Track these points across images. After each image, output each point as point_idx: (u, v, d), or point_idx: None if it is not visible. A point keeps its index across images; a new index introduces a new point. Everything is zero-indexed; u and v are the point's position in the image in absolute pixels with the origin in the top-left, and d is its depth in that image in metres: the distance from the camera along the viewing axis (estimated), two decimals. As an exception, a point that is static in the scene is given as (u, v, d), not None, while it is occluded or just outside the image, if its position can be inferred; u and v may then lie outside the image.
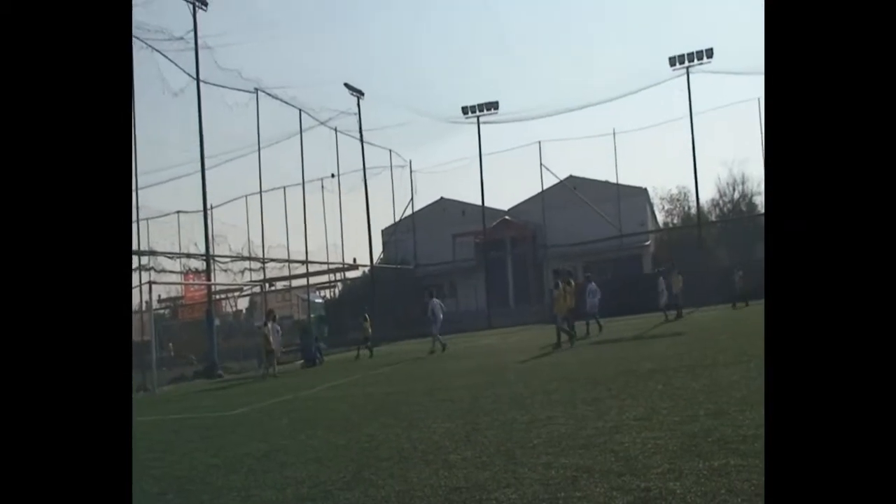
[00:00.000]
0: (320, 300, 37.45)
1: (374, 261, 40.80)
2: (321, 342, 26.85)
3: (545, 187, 45.38)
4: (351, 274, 42.24)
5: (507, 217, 47.57)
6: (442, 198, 50.76)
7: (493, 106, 43.14)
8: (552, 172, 45.06)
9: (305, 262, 33.64)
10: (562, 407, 7.84)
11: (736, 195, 45.48)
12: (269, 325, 19.61)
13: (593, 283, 22.45)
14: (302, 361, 23.16)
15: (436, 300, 22.64)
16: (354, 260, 39.42)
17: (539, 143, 44.18)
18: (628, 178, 45.24)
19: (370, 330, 24.57)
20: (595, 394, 8.56)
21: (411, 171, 46.74)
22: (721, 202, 46.22)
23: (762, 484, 4.09)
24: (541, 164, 44.26)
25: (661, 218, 49.67)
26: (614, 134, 42.88)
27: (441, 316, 22.22)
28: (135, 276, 21.96)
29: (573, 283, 19.38)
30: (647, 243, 44.35)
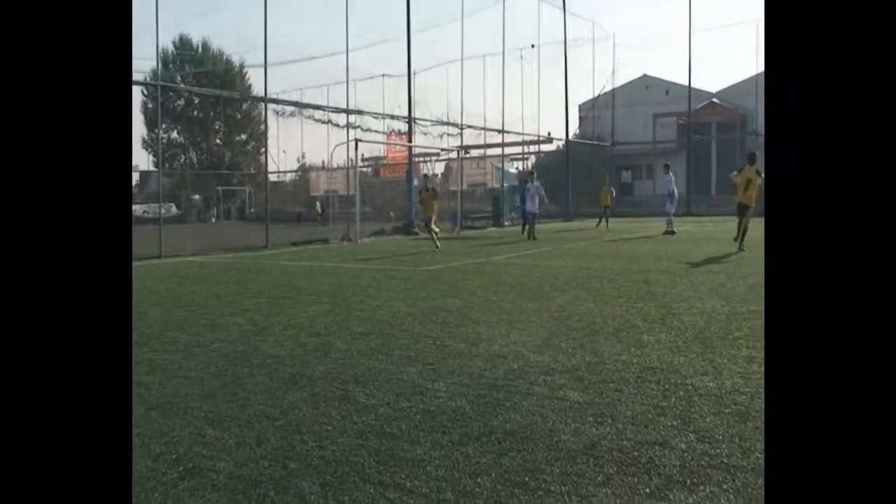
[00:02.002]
0: (514, 171, 37.55)
1: (570, 136, 39.86)
2: (512, 212, 27.13)
3: (759, 70, 41.06)
4: (546, 147, 41.75)
5: (714, 100, 44.00)
6: (645, 75, 47.78)
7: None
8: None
9: (501, 132, 33.61)
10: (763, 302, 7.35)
11: None
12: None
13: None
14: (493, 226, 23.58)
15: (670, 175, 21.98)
16: (549, 133, 38.76)
17: (756, 22, 39.57)
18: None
19: (609, 200, 24.19)
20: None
21: (614, 45, 44.16)
22: None
23: None
24: (756, 45, 39.88)
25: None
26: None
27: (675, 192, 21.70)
28: (342, 133, 23.01)
29: (761, 174, 13.94)
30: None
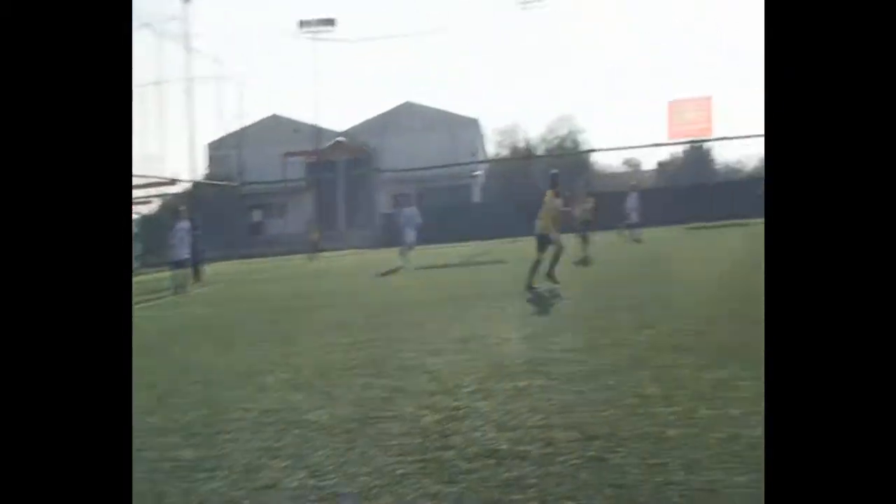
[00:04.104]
0: (135, 216, 34.94)
1: (197, 177, 38.60)
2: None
3: (381, 112, 44.86)
4: (172, 189, 39.76)
5: (341, 138, 46.67)
6: (274, 115, 48.71)
7: (329, 22, 41.63)
8: (386, 97, 44.53)
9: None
10: (384, 330, 7.91)
11: (564, 132, 47.52)
12: None
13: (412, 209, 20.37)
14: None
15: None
16: (172, 176, 37.05)
17: (376, 66, 43.30)
18: (462, 109, 45.86)
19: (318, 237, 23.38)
20: (418, 317, 8.72)
21: (242, 85, 44.27)
22: (548, 138, 48.16)
23: (562, 402, 4.37)
24: (377, 87, 43.55)
25: (491, 149, 51.01)
26: (451, 61, 42.92)
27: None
28: None
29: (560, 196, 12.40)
30: (478, 174, 45.47)
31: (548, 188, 11.81)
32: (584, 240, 16.73)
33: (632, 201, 22.25)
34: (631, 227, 22.21)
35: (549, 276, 10.99)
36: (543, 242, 11.29)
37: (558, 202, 11.53)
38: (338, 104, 59.40)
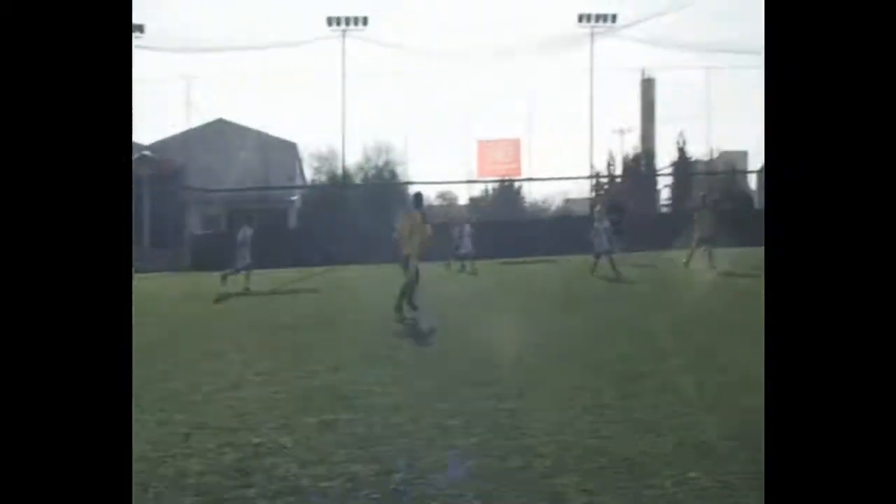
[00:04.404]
0: None
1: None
2: None
3: (192, 126, 42.89)
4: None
5: (146, 152, 43.93)
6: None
7: (138, 29, 39.29)
8: (201, 111, 42.79)
9: None
10: (185, 362, 7.54)
11: (381, 162, 48.16)
12: None
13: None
14: None
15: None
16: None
17: (187, 78, 41.46)
18: (279, 131, 45.01)
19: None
20: (221, 348, 8.39)
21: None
22: (366, 167, 48.58)
23: (366, 435, 4.43)
24: (188, 100, 41.69)
25: (309, 175, 50.49)
26: (266, 83, 42.12)
27: None
28: None
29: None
30: (294, 198, 44.76)
31: (412, 209, 11.29)
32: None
33: (465, 233, 22.80)
34: (461, 258, 22.64)
35: (403, 305, 10.47)
36: (408, 266, 10.73)
37: (426, 227, 10.98)
38: (143, 116, 55.73)
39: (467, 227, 23.04)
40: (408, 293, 10.58)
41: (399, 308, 10.36)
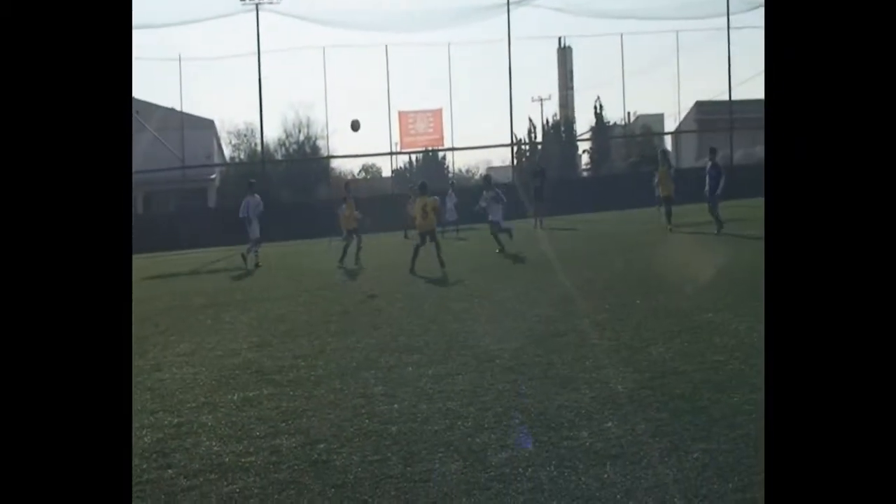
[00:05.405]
0: None
1: None
2: None
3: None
4: None
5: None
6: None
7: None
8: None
9: None
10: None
11: (301, 137, 47.27)
12: None
13: None
14: None
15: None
16: None
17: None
18: (195, 109, 43.48)
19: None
20: (142, 331, 8.15)
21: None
22: (287, 142, 47.61)
23: (290, 409, 4.40)
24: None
25: (228, 152, 49.11)
26: (180, 60, 40.57)
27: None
28: None
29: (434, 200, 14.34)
30: (213, 177, 43.50)
31: (418, 195, 13.31)
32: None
33: (450, 201, 22.70)
34: (447, 224, 22.36)
35: (442, 260, 12.10)
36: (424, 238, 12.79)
37: (431, 201, 13.09)
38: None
39: (451, 194, 23.23)
40: (437, 254, 12.35)
41: (442, 263, 12.03)
